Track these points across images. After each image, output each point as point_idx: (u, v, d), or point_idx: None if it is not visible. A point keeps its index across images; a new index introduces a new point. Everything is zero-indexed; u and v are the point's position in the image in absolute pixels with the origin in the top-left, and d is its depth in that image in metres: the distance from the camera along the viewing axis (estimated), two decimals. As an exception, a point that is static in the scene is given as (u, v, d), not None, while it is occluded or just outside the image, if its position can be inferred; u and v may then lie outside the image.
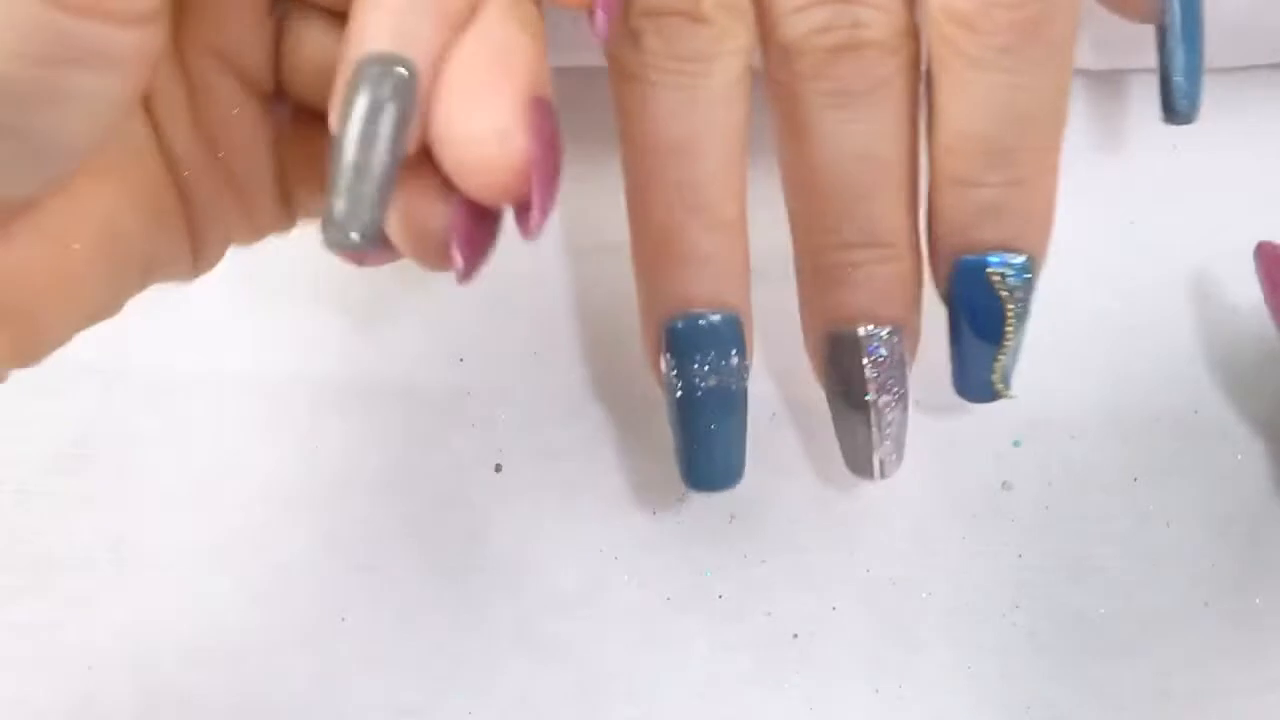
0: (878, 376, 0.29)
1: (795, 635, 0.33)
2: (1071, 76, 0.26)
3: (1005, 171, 0.26)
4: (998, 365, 0.28)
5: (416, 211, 0.23)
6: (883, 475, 0.30)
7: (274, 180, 0.26)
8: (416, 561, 0.34)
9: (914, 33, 0.26)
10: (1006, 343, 0.28)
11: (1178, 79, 0.27)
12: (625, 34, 0.27)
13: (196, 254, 0.26)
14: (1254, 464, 0.34)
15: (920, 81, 0.27)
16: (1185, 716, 0.32)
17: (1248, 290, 0.36)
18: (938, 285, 0.28)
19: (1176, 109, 0.28)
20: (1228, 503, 0.34)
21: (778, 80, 0.27)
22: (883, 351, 0.28)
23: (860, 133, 0.26)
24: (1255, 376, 0.36)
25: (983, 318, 0.27)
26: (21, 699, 0.33)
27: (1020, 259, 0.27)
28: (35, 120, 0.19)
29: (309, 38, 0.25)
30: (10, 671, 0.33)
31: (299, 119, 0.26)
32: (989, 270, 0.27)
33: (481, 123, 0.21)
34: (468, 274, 0.23)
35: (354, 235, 0.21)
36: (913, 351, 0.29)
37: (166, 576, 0.34)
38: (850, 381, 0.29)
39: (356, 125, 0.21)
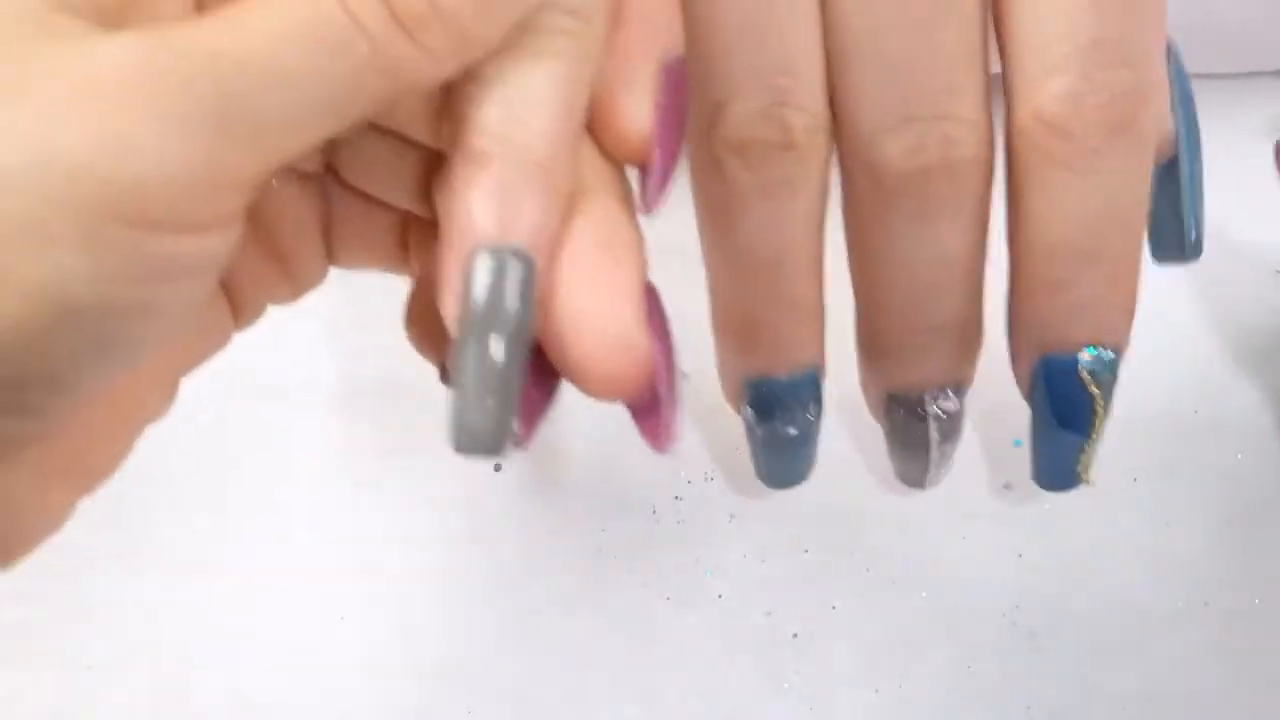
0: (940, 430, 0.29)
1: (795, 635, 0.33)
2: (1153, 163, 0.25)
3: (1097, 270, 0.26)
4: (1084, 457, 0.28)
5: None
6: (934, 485, 0.32)
7: (319, 245, 0.26)
8: (416, 561, 0.34)
9: (993, 137, 0.26)
10: (1093, 436, 0.28)
11: (1194, 227, 0.27)
12: (709, 162, 0.26)
13: (238, 320, 0.26)
14: (1254, 464, 0.34)
15: (995, 175, 0.26)
16: (1185, 716, 0.32)
17: (1248, 291, 0.36)
18: (1020, 383, 0.28)
19: (1188, 256, 0.28)
20: (1228, 503, 0.34)
21: (858, 189, 0.26)
22: (945, 410, 0.29)
23: (938, 239, 0.26)
24: (1256, 377, 0.36)
25: (1072, 413, 0.27)
26: (21, 699, 0.33)
27: (1109, 354, 0.27)
28: (120, 331, 0.19)
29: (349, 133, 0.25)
30: (11, 672, 0.33)
31: (343, 190, 0.25)
32: (1080, 368, 0.27)
33: (605, 328, 0.21)
34: (527, 438, 0.23)
35: (484, 440, 0.21)
36: (968, 387, 0.30)
37: (166, 577, 0.34)
38: (910, 432, 0.30)
39: (477, 323, 0.21)
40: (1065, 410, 0.27)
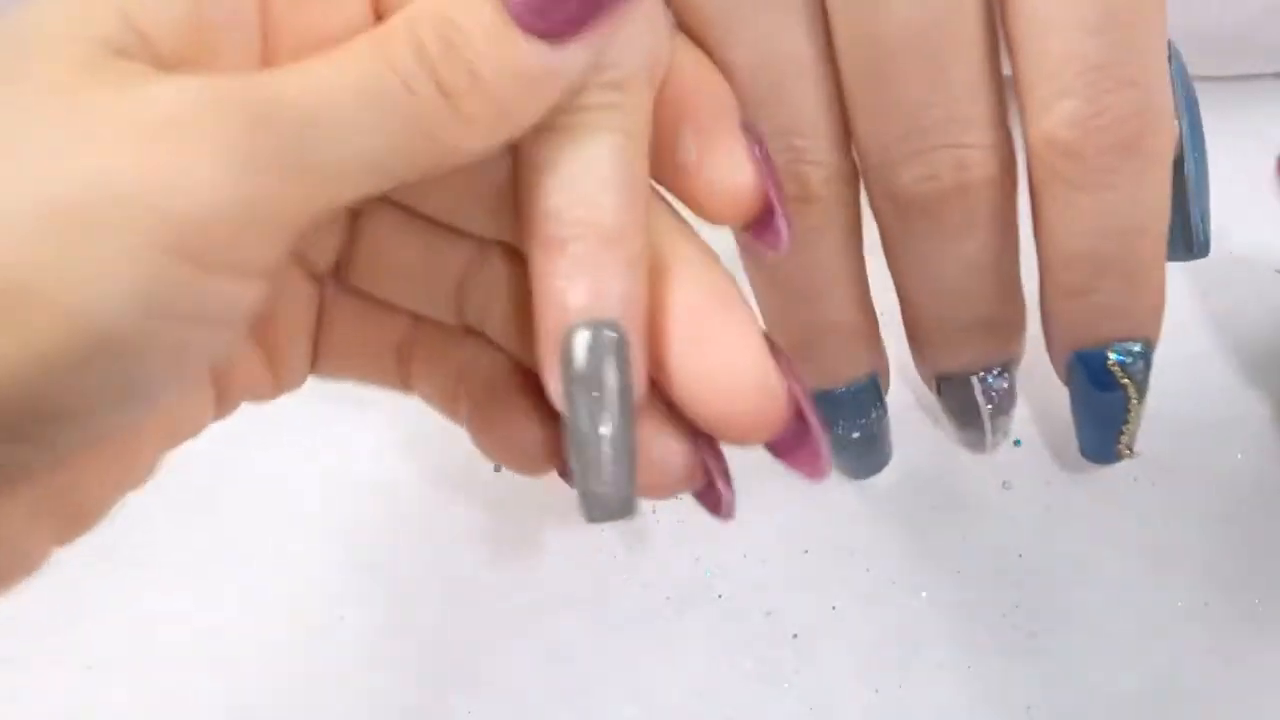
0: (993, 405, 0.31)
1: (795, 635, 0.33)
2: (1170, 175, 0.26)
3: (1116, 278, 0.26)
4: (1123, 439, 0.30)
5: (651, 450, 0.24)
6: (994, 449, 0.34)
7: (309, 349, 0.26)
8: (416, 561, 0.34)
9: (1012, 152, 0.27)
10: (1130, 420, 0.29)
11: (1200, 227, 0.28)
12: None
13: (217, 411, 0.26)
14: (1254, 464, 0.34)
15: (1018, 184, 0.27)
16: (1185, 716, 0.32)
17: (1248, 291, 0.36)
18: (1057, 372, 0.29)
19: (1195, 254, 0.28)
20: (1228, 503, 0.34)
21: (883, 214, 0.28)
22: (996, 388, 0.31)
23: (962, 253, 0.27)
24: (1256, 377, 0.36)
25: (1105, 403, 0.29)
26: (21, 699, 0.33)
27: (1138, 346, 0.28)
28: (147, 371, 0.19)
29: (377, 224, 0.25)
30: (10, 671, 0.33)
31: (344, 294, 0.26)
32: (1110, 363, 0.28)
33: (740, 382, 0.22)
34: (729, 509, 0.25)
35: (615, 510, 0.22)
36: (1017, 364, 0.31)
37: (166, 576, 0.34)
38: (962, 408, 0.31)
39: (581, 396, 0.22)
40: (1099, 403, 0.29)
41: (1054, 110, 0.25)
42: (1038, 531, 0.34)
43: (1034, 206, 0.26)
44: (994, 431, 0.32)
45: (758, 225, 0.24)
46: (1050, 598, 0.33)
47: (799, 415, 0.23)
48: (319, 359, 0.26)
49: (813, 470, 0.24)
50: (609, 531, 0.34)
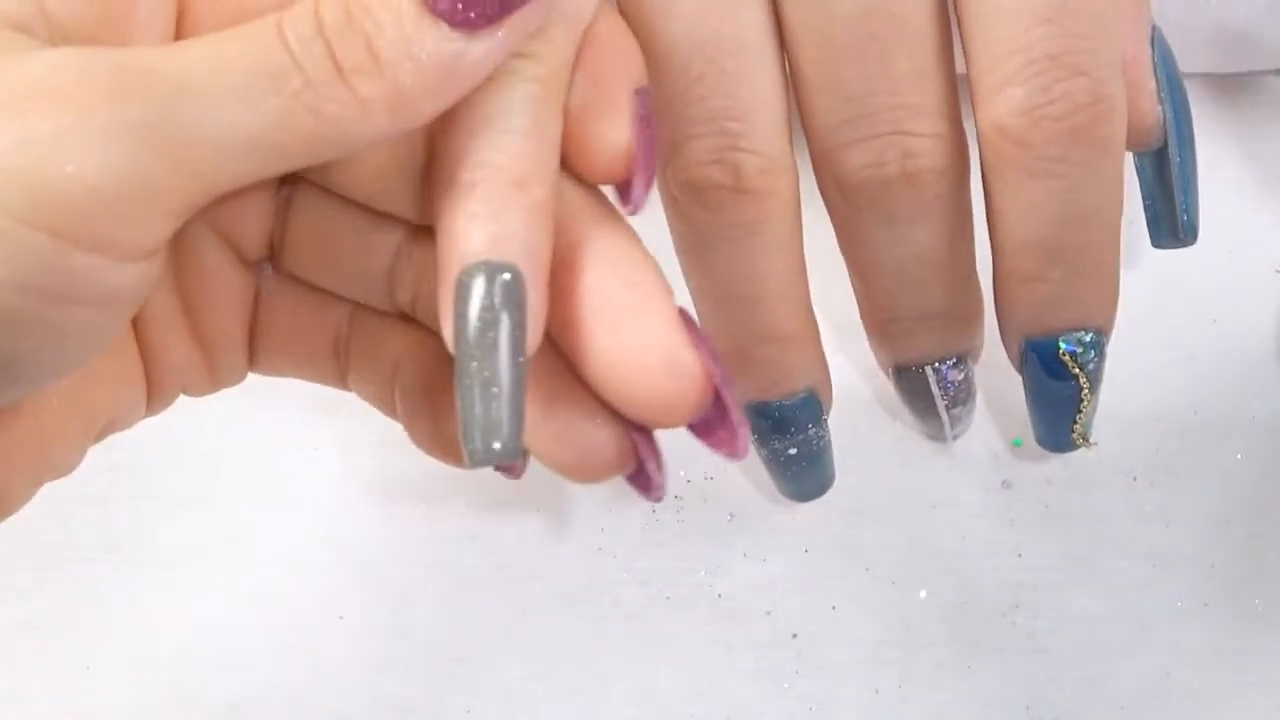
0: (949, 396, 0.31)
1: (795, 635, 0.33)
2: (1123, 164, 0.26)
3: (1067, 267, 0.26)
4: (1076, 428, 0.29)
5: (578, 436, 0.23)
6: (954, 439, 0.34)
7: (244, 340, 0.26)
8: (416, 561, 0.34)
9: (963, 143, 0.26)
10: (1083, 410, 0.29)
11: (1184, 213, 0.28)
12: (669, 199, 0.27)
13: (150, 404, 0.25)
14: (1254, 464, 0.34)
15: (970, 174, 0.27)
16: (1185, 716, 0.32)
17: (1247, 290, 0.36)
18: (1012, 361, 0.29)
19: (1181, 240, 0.28)
20: (1228, 503, 0.34)
21: (830, 198, 0.27)
22: (952, 379, 0.30)
23: (911, 240, 0.27)
24: (1255, 376, 0.36)
25: (1058, 393, 0.29)
26: (21, 698, 0.33)
27: (1089, 335, 0.28)
28: (23, 348, 0.19)
29: (306, 210, 0.25)
30: (10, 671, 0.33)
31: (281, 283, 0.26)
32: (1061, 352, 0.28)
33: (653, 362, 0.21)
34: (659, 492, 0.24)
35: (496, 448, 0.21)
36: (976, 357, 0.31)
37: (166, 576, 0.34)
38: (917, 398, 0.31)
39: (473, 337, 0.21)
40: (1051, 391, 0.29)
41: (1004, 97, 0.24)
42: (1038, 531, 0.34)
43: (986, 194, 0.26)
44: (953, 423, 0.32)
45: (621, 188, 0.24)
46: (1050, 598, 0.33)
47: (715, 394, 0.22)
48: (257, 352, 0.26)
49: (731, 450, 0.23)
50: (609, 531, 0.34)
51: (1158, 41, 0.27)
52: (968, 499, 0.34)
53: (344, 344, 0.26)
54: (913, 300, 0.28)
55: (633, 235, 0.23)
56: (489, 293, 0.21)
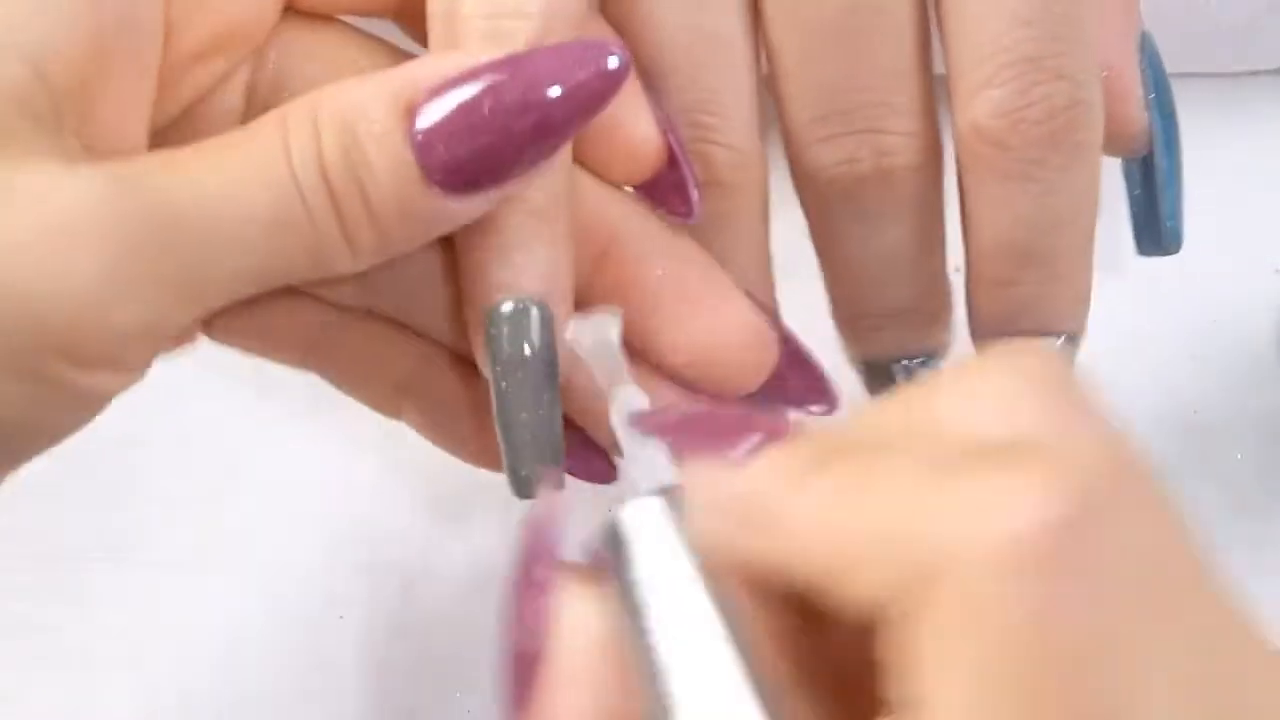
0: None
1: (795, 635, 0.33)
2: (1100, 169, 0.26)
3: (1040, 271, 0.26)
4: None
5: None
6: None
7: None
8: (416, 561, 0.34)
9: (938, 142, 0.26)
10: None
11: (1169, 221, 0.28)
12: None
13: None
14: (1254, 464, 0.34)
15: (943, 174, 0.27)
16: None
17: (1247, 290, 0.36)
18: None
19: (1165, 248, 0.28)
20: (1228, 503, 0.34)
21: (803, 192, 0.27)
22: (919, 376, 0.30)
23: (882, 238, 0.27)
24: (1255, 376, 0.36)
25: None
26: (21, 698, 0.33)
27: (1059, 340, 0.28)
28: (19, 447, 0.20)
29: None
30: (10, 671, 0.33)
31: None
32: None
33: (736, 333, 0.24)
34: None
35: (541, 473, 0.23)
36: (944, 355, 0.30)
37: (166, 576, 0.34)
38: (882, 394, 0.31)
39: (510, 371, 0.22)
40: None
41: (982, 99, 0.24)
42: (1038, 531, 0.34)
43: (960, 195, 0.26)
44: None
45: (667, 191, 0.25)
46: (1050, 598, 0.33)
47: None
48: (232, 328, 0.27)
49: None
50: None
51: (1146, 47, 0.27)
52: (968, 499, 0.34)
53: (323, 345, 0.26)
54: (882, 297, 0.28)
55: (673, 225, 0.25)
56: (519, 324, 0.22)
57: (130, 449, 0.35)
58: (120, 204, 0.19)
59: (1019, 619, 0.15)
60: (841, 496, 0.16)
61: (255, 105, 0.24)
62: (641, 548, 0.19)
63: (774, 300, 0.29)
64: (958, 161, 0.26)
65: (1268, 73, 0.40)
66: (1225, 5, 0.36)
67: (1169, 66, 0.28)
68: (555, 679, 0.19)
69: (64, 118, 0.20)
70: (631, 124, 0.24)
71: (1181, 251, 0.35)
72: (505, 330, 0.22)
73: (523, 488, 0.23)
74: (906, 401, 0.18)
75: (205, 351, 0.36)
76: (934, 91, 0.26)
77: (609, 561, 0.19)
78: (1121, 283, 0.36)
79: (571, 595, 0.20)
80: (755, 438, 0.19)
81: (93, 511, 0.35)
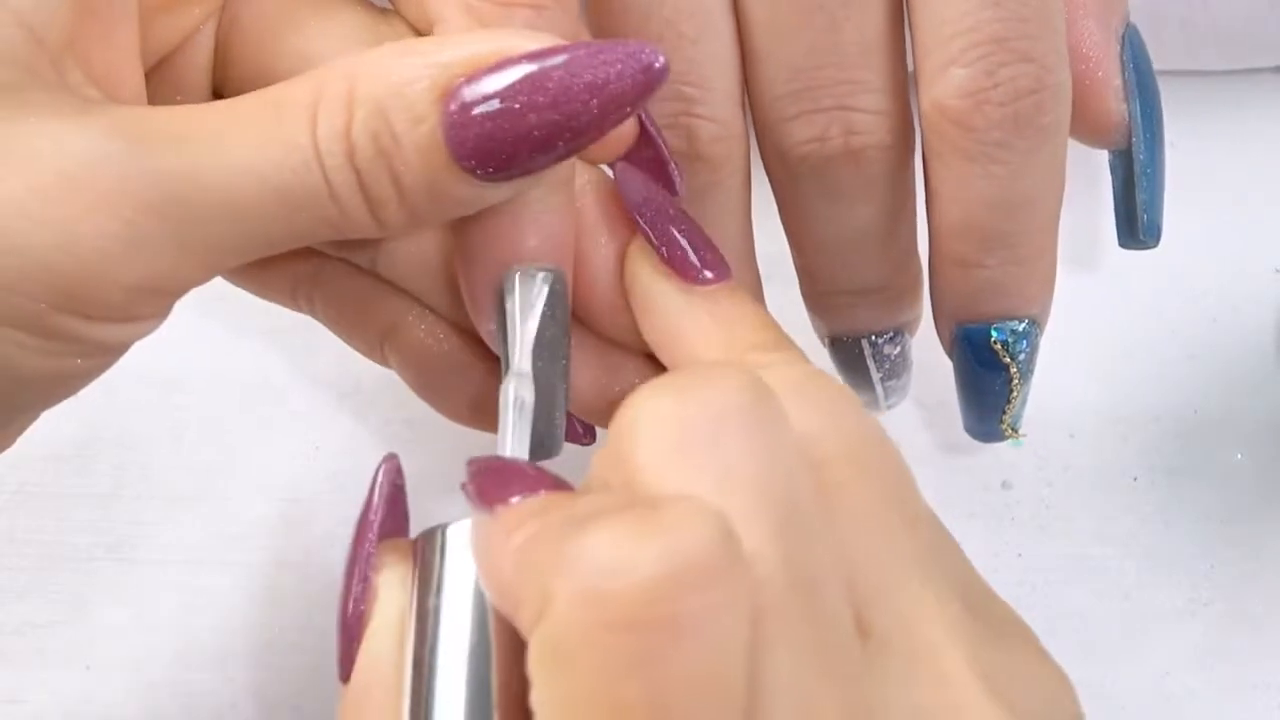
0: (884, 369, 0.31)
1: (795, 635, 0.33)
2: (1066, 154, 0.26)
3: (1004, 254, 0.26)
4: (1004, 418, 0.29)
5: (613, 383, 0.25)
6: (888, 409, 0.33)
7: None
8: (416, 561, 0.34)
9: (908, 121, 0.26)
10: (1012, 400, 0.29)
11: (1145, 214, 0.27)
12: None
13: None
14: (1254, 464, 0.34)
15: (914, 153, 0.27)
16: (1183, 716, 0.32)
17: (1247, 290, 0.36)
18: (943, 345, 0.29)
19: (1142, 241, 0.28)
20: (1228, 503, 0.34)
21: (772, 170, 0.27)
22: (888, 353, 0.30)
23: (850, 216, 0.27)
24: (1255, 376, 0.36)
25: (987, 381, 0.28)
26: (21, 698, 0.33)
27: (1022, 324, 0.27)
28: (43, 396, 0.21)
29: None
30: (9, 671, 0.33)
31: None
32: (992, 340, 0.27)
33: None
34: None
35: (545, 449, 0.23)
36: (913, 330, 0.31)
37: (166, 576, 0.34)
38: (850, 368, 0.31)
39: (521, 342, 0.22)
40: (981, 379, 0.28)
41: (947, 78, 0.24)
42: (1038, 531, 0.34)
43: (925, 175, 0.26)
44: (887, 394, 0.32)
45: (646, 169, 0.24)
46: (1050, 598, 0.33)
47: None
48: None
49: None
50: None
51: (1130, 39, 0.27)
52: (968, 499, 0.34)
53: (304, 288, 0.27)
54: (851, 274, 0.28)
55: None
56: (536, 295, 0.22)
57: (130, 449, 0.35)
58: (133, 161, 0.19)
59: (588, 671, 0.15)
60: (526, 545, 0.17)
61: (221, 58, 0.24)
62: (449, 564, 0.20)
63: (758, 276, 0.29)
64: (923, 141, 0.26)
65: (1268, 72, 0.40)
66: (1225, 4, 0.36)
67: (1169, 65, 0.28)
68: (365, 654, 0.21)
69: (65, 73, 0.20)
70: None
71: (1181, 251, 0.35)
72: (522, 301, 0.22)
73: (532, 453, 0.23)
74: (617, 445, 0.18)
75: (205, 352, 0.36)
76: (906, 67, 0.26)
77: (422, 562, 0.21)
78: (1121, 282, 0.37)
79: (388, 574, 0.22)
80: (536, 492, 0.19)
81: (92, 511, 0.35)
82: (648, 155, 0.24)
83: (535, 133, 0.20)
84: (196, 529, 0.35)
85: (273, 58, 0.23)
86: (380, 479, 0.22)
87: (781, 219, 0.28)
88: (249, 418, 0.36)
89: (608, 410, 0.25)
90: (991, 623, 0.19)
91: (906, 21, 0.25)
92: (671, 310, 0.24)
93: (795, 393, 0.19)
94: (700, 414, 0.17)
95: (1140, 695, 0.32)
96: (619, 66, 0.20)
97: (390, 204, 0.20)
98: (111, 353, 0.21)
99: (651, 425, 0.17)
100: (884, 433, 0.20)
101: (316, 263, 0.26)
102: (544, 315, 0.22)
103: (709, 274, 0.24)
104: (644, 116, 0.24)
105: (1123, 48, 0.26)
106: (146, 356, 0.36)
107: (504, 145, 0.20)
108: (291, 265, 0.26)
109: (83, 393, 0.35)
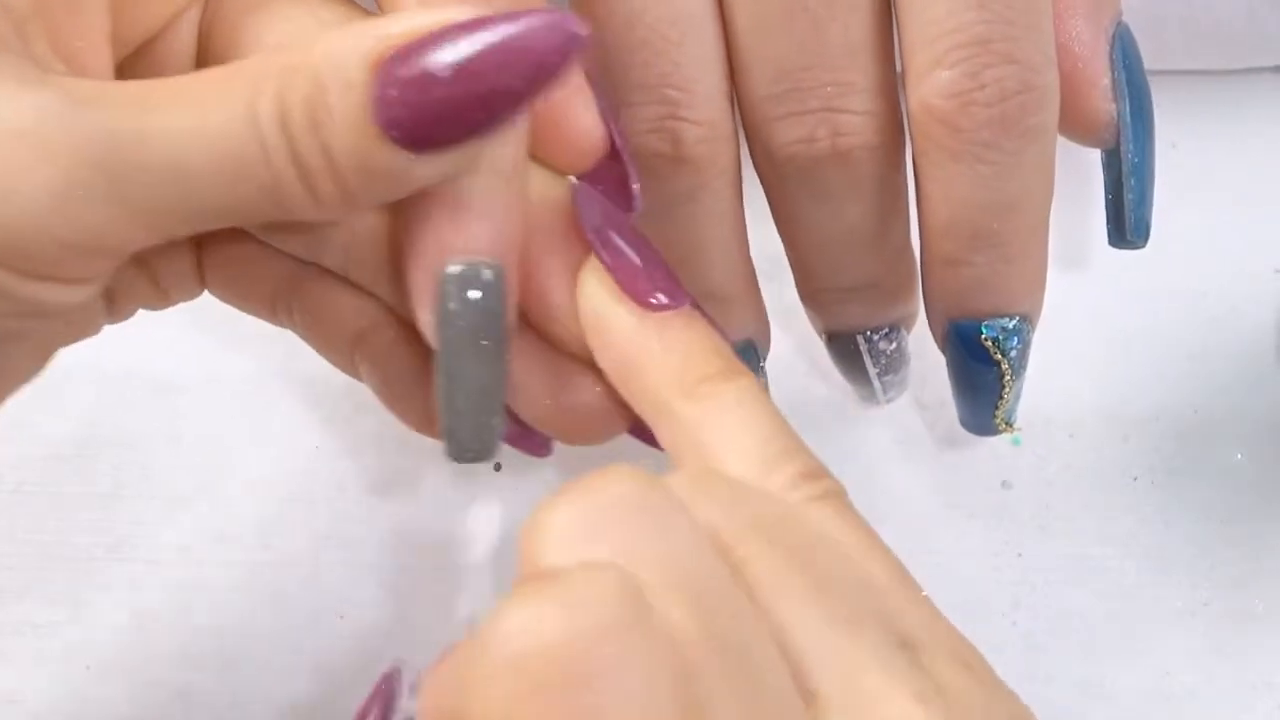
0: (877, 362, 0.31)
1: (795, 635, 0.33)
2: (1054, 153, 0.26)
3: (993, 252, 0.26)
4: (997, 412, 0.29)
5: (566, 394, 0.25)
6: (888, 403, 0.33)
7: (191, 269, 0.27)
8: (416, 561, 0.34)
9: (896, 121, 0.26)
10: (1005, 395, 0.29)
11: (1133, 213, 0.27)
12: None
13: (110, 316, 0.26)
14: (1254, 464, 0.34)
15: (904, 152, 0.27)
16: (1183, 716, 0.32)
17: (1247, 289, 0.36)
18: (936, 341, 0.29)
19: (1130, 240, 0.28)
20: (1228, 503, 0.34)
21: (761, 171, 0.27)
22: (884, 349, 0.30)
23: (840, 216, 0.27)
24: (1255, 376, 0.36)
25: (979, 376, 0.28)
26: (21, 698, 0.33)
27: (1012, 321, 0.27)
28: None
29: None
30: (9, 671, 0.33)
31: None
32: (983, 337, 0.28)
33: (570, 122, 0.24)
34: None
35: (481, 449, 0.22)
36: (909, 325, 0.31)
37: (166, 576, 0.34)
38: (848, 364, 0.31)
39: (457, 339, 0.21)
40: (973, 375, 0.29)
41: (933, 79, 0.24)
42: (1038, 531, 0.34)
43: (914, 174, 0.26)
44: (885, 389, 0.32)
45: (608, 183, 0.25)
46: (1050, 598, 0.33)
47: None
48: (205, 281, 0.27)
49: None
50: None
51: (1120, 38, 0.27)
52: (968, 499, 0.34)
53: (284, 297, 0.27)
54: (842, 272, 0.28)
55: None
56: (475, 291, 0.21)
57: (130, 449, 0.36)
58: (78, 121, 0.19)
59: None
60: (438, 674, 0.18)
61: (205, 46, 0.24)
62: None
63: (753, 277, 0.29)
64: (912, 141, 0.26)
65: (1268, 72, 0.40)
66: (1225, 4, 0.36)
67: (1169, 65, 0.28)
68: None
69: (30, 43, 0.20)
70: (576, 114, 0.24)
71: (1181, 251, 0.35)
72: (457, 292, 0.21)
73: (462, 453, 0.22)
74: (527, 556, 0.18)
75: (204, 352, 0.36)
76: (894, 66, 0.26)
77: None
78: (1121, 282, 0.37)
79: None
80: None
81: (92, 511, 0.35)
82: (613, 171, 0.24)
83: (458, 102, 0.20)
84: (196, 529, 0.35)
85: (254, 46, 0.23)
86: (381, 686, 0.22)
87: (774, 219, 0.28)
88: (248, 418, 0.36)
89: (563, 420, 0.25)
90: (939, 655, 0.19)
91: (894, 21, 0.25)
92: (622, 334, 0.23)
93: (690, 488, 0.19)
94: (601, 505, 0.17)
95: (1140, 695, 0.32)
96: (542, 35, 0.20)
97: (322, 175, 0.20)
98: (45, 316, 0.21)
99: (554, 527, 0.17)
100: (785, 506, 0.21)
101: (294, 268, 0.26)
102: (480, 311, 0.21)
103: (662, 298, 0.23)
104: (613, 130, 0.24)
105: (1113, 46, 0.26)
106: (144, 357, 0.36)
107: (427, 114, 0.20)
108: (271, 271, 0.26)
109: (83, 393, 0.36)
